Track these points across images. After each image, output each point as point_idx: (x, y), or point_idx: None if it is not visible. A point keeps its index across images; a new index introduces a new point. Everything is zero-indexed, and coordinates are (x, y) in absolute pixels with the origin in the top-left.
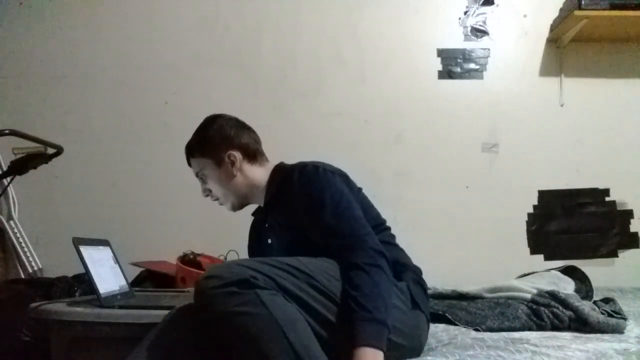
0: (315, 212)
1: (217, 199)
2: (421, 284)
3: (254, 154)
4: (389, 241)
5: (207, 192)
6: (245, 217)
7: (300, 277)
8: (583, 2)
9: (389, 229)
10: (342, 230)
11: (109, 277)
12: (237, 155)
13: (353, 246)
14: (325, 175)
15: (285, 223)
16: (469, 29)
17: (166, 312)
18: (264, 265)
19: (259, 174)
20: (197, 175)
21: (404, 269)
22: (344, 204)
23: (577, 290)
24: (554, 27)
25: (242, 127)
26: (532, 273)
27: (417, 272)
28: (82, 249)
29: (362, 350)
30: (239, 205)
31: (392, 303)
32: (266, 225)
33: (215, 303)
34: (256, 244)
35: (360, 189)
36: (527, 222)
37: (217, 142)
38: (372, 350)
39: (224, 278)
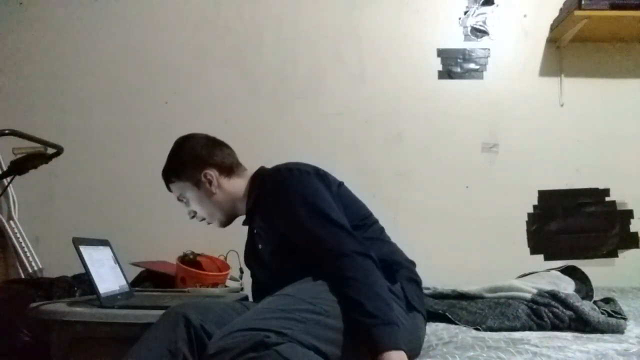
0: (291, 216)
1: (203, 219)
2: (415, 280)
3: (230, 168)
4: (377, 237)
5: (192, 214)
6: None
7: (306, 321)
8: (583, 2)
9: (375, 222)
10: (320, 234)
11: (109, 277)
12: (214, 173)
13: (334, 253)
14: (299, 177)
15: (268, 229)
16: (469, 29)
17: None
18: (270, 321)
19: (239, 185)
20: (178, 199)
21: (396, 267)
22: (319, 204)
23: (577, 290)
24: (554, 27)
25: (213, 144)
26: (532, 273)
27: (410, 267)
28: (82, 249)
29: (384, 356)
30: (226, 221)
31: (390, 297)
32: (254, 231)
33: None
34: (250, 250)
35: (341, 184)
36: (527, 222)
37: (191, 163)
38: (394, 353)
39: (235, 348)
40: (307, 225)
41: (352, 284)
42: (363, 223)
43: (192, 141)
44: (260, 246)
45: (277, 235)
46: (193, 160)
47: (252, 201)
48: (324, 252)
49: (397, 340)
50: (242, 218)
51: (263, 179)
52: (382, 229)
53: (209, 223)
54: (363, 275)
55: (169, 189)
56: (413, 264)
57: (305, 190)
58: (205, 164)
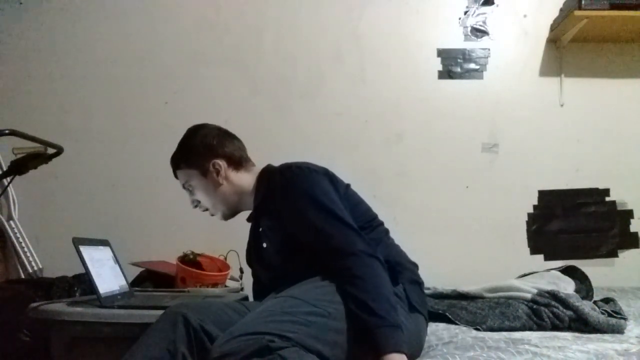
0: (299, 214)
1: (206, 209)
2: (418, 282)
3: (238, 161)
4: (381, 238)
5: (196, 203)
6: (246, 217)
7: (310, 324)
8: (583, 2)
9: (381, 224)
10: (328, 232)
11: (109, 277)
12: (222, 163)
13: (342, 252)
14: (309, 175)
15: (275, 227)
16: (469, 29)
17: None
18: (274, 324)
19: (246, 180)
20: (184, 186)
21: (399, 269)
22: (328, 204)
23: (577, 290)
24: (554, 27)
25: (225, 135)
26: (532, 273)
27: (413, 269)
28: (82, 249)
29: (386, 358)
30: (229, 214)
31: (395, 299)
32: (260, 229)
33: None
34: (253, 249)
35: (348, 185)
36: (527, 222)
37: (201, 152)
38: (397, 356)
39: (239, 352)
40: (315, 222)
41: (359, 284)
42: (369, 224)
43: (204, 130)
44: (264, 245)
45: (283, 234)
46: (203, 148)
47: (260, 197)
48: (331, 250)
49: (400, 343)
50: (245, 215)
51: (271, 175)
52: (387, 231)
53: (212, 214)
54: (370, 275)
55: (176, 176)
56: (416, 266)
57: (315, 189)
58: (215, 154)
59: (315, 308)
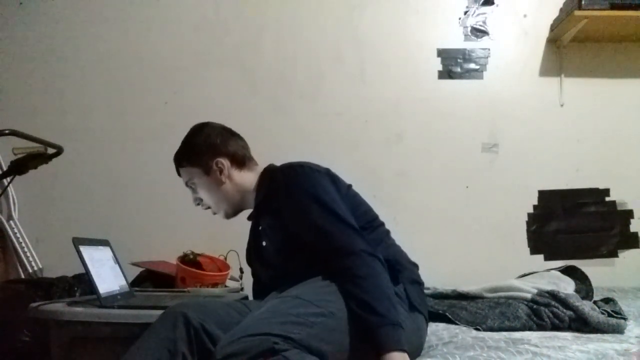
0: (301, 213)
1: (208, 208)
2: (418, 282)
3: (242, 160)
4: (382, 238)
5: (198, 201)
6: (245, 217)
7: (314, 325)
8: (583, 2)
9: (382, 225)
10: (329, 232)
11: (109, 277)
12: (225, 162)
13: (343, 251)
14: (311, 175)
15: (275, 225)
16: (469, 29)
17: None
18: (278, 326)
19: (249, 179)
20: (186, 184)
21: (399, 269)
22: (329, 203)
23: (577, 290)
24: (554, 27)
25: (228, 134)
26: (532, 273)
27: (413, 269)
28: (82, 249)
29: (388, 356)
30: (232, 213)
31: (396, 299)
32: (260, 228)
33: None
34: (253, 248)
35: (349, 186)
36: (527, 222)
37: (204, 150)
38: (398, 354)
39: (244, 354)
40: (317, 221)
41: (360, 283)
42: (370, 225)
43: (208, 129)
44: (264, 243)
45: (283, 233)
46: (207, 147)
47: (261, 196)
48: (332, 249)
49: (401, 342)
50: (246, 214)
51: (273, 174)
52: (387, 232)
53: (214, 213)
54: (371, 275)
55: (179, 174)
56: (416, 266)
57: (317, 188)
58: (218, 152)
59: (318, 308)
